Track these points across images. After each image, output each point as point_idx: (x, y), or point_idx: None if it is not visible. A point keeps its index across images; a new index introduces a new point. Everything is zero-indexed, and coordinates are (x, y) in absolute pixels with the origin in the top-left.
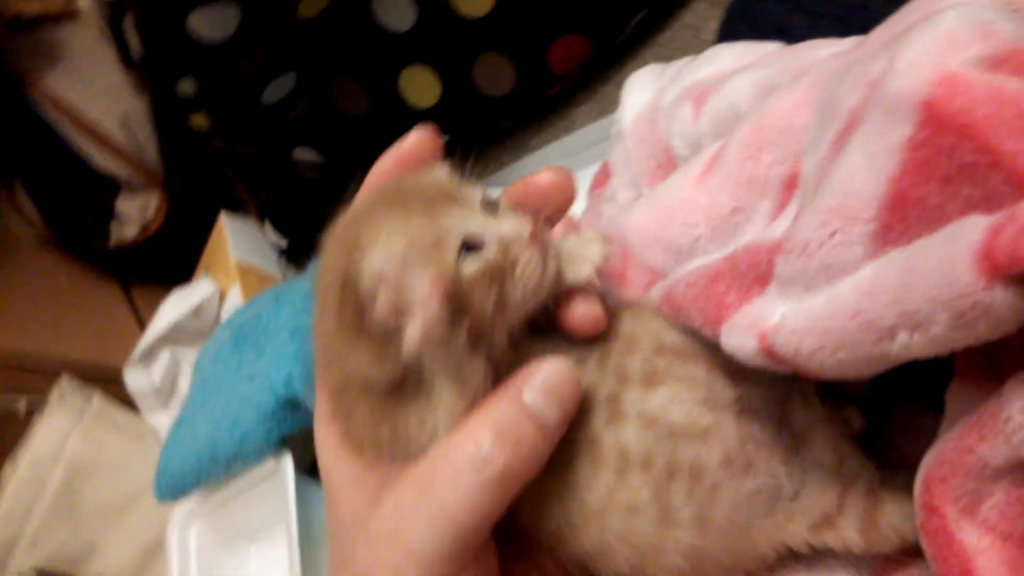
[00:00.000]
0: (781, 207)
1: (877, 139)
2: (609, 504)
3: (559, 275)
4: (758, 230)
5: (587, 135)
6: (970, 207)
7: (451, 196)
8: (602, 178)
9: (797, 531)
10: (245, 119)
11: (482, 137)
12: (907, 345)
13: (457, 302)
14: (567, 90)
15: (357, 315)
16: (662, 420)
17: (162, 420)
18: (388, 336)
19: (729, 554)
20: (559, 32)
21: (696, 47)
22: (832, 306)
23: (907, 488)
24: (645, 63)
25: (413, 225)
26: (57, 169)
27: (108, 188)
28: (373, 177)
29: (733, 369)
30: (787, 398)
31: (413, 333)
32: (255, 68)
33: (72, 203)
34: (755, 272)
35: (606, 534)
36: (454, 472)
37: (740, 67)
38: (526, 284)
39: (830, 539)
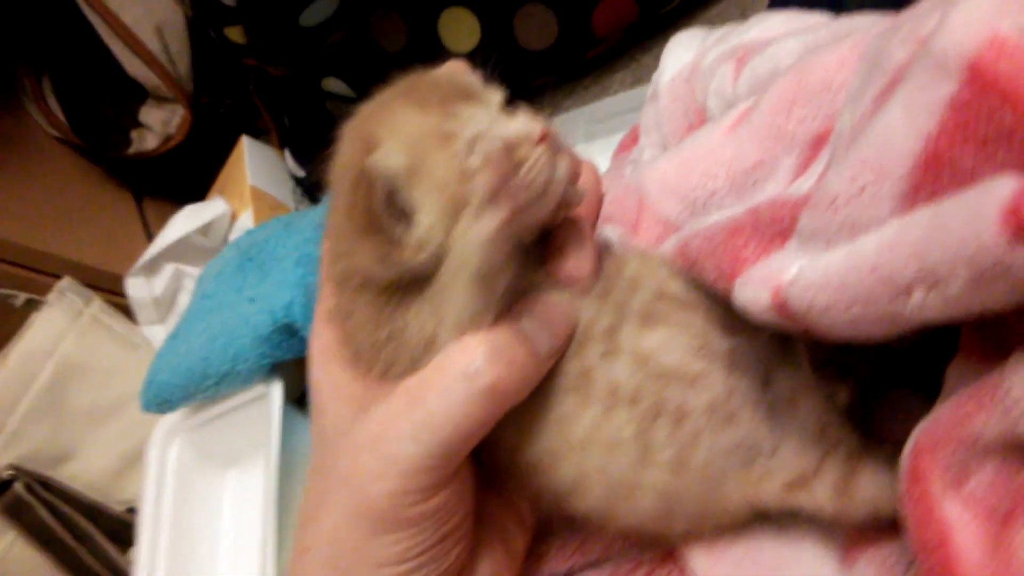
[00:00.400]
0: (805, 165)
1: (919, 95)
2: (592, 437)
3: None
4: (778, 187)
5: (621, 102)
6: (1003, 169)
7: (470, 93)
8: (629, 142)
9: (771, 488)
10: (281, 38)
11: (514, 91)
12: (921, 304)
13: (463, 198)
14: (606, 54)
15: (367, 209)
16: (655, 360)
17: (158, 332)
18: (396, 231)
19: (699, 502)
20: None
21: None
22: (851, 260)
23: (888, 461)
24: None
25: (427, 119)
26: (87, 68)
27: (135, 95)
28: None
29: (729, 323)
30: (778, 360)
31: (421, 225)
32: None
33: (97, 106)
34: (777, 227)
35: (585, 466)
36: (445, 383)
37: (788, 32)
38: (534, 184)
39: (803, 499)
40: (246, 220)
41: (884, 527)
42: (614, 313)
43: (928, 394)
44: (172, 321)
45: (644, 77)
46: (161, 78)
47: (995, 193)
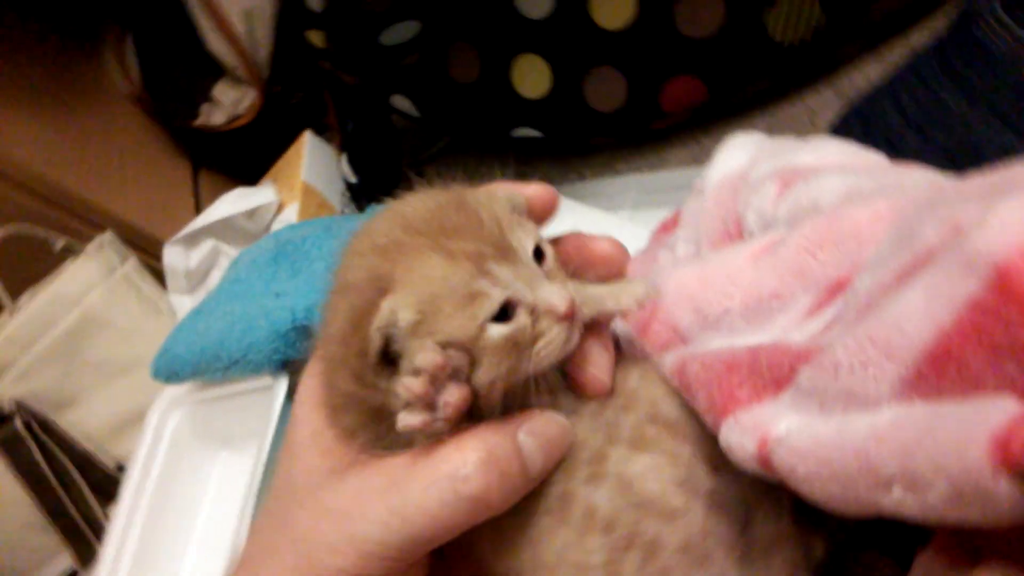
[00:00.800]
0: (818, 307)
1: (942, 286)
2: (562, 560)
3: (600, 303)
4: (789, 320)
5: (675, 178)
6: (1007, 386)
7: (505, 245)
8: (670, 224)
9: None
10: (359, 51)
11: (572, 145)
12: (899, 502)
13: (466, 359)
14: (669, 128)
15: (357, 354)
16: (637, 488)
17: (184, 302)
18: (379, 383)
19: None
20: (681, 70)
21: (809, 129)
22: (840, 438)
23: None
24: (754, 128)
25: (455, 274)
26: (171, 36)
27: (212, 71)
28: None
29: (716, 462)
30: (760, 504)
31: (409, 389)
32: (384, 6)
33: (174, 74)
34: (775, 374)
35: None
36: (431, 479)
37: (839, 166)
38: (540, 361)
39: None
40: (291, 213)
41: None
42: (605, 435)
43: (900, 559)
44: (200, 295)
45: (701, 158)
46: (240, 60)
47: (990, 417)
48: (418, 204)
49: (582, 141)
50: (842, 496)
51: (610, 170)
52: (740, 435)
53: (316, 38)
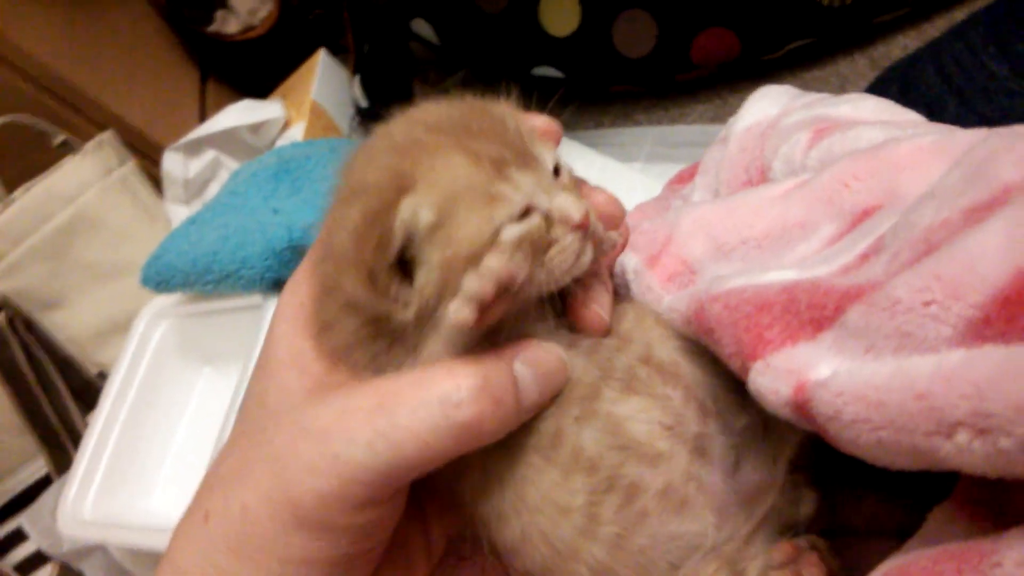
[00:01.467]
0: (841, 234)
1: (1022, 225)
2: (545, 501)
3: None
4: (810, 251)
5: (694, 133)
6: None
7: (527, 153)
8: (686, 176)
9: None
10: None
11: (593, 91)
12: (960, 450)
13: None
14: (695, 81)
15: (373, 253)
16: (623, 429)
17: (180, 212)
18: (392, 288)
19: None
20: (717, 21)
21: (839, 88)
22: (899, 380)
23: None
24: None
25: (477, 175)
26: None
27: None
28: None
29: (708, 407)
30: (748, 453)
31: (418, 283)
32: None
33: None
34: (816, 313)
35: (531, 528)
36: (421, 402)
37: (878, 121)
38: (553, 271)
39: None
40: (297, 131)
41: None
42: (599, 371)
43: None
44: (196, 205)
45: (724, 117)
46: None
47: None
48: (440, 108)
49: (603, 87)
50: (894, 443)
51: (629, 120)
52: (772, 380)
53: None
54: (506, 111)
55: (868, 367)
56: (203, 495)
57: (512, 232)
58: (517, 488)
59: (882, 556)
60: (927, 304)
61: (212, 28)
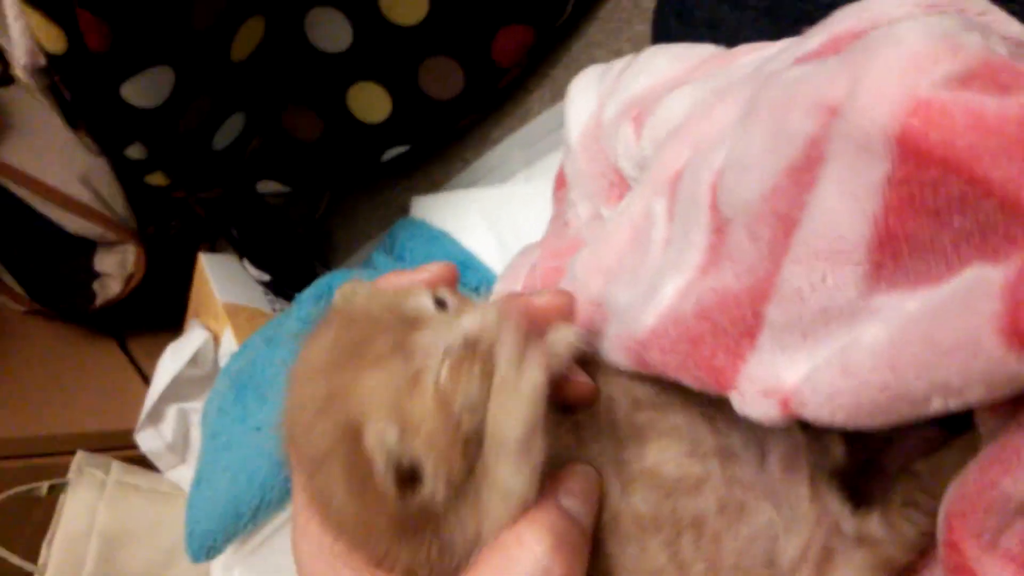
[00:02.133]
0: (669, 210)
1: (852, 178)
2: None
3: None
4: (660, 238)
5: (546, 121)
6: (964, 238)
7: (406, 318)
8: (562, 179)
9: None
10: (201, 168)
11: (441, 139)
12: (944, 406)
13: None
14: (518, 79)
15: (378, 499)
16: (660, 477)
17: (184, 473)
18: (410, 500)
19: None
20: (499, 24)
21: (637, 16)
22: (854, 381)
23: (859, 539)
24: (589, 39)
25: (393, 374)
26: (30, 239)
27: (84, 248)
28: (427, 271)
29: (710, 415)
30: (767, 435)
31: (429, 478)
32: (200, 118)
33: (52, 270)
34: (740, 326)
35: None
36: None
37: (675, 78)
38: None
39: None
40: (229, 338)
41: None
42: (611, 440)
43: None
44: (192, 458)
45: (561, 91)
46: (102, 225)
47: (982, 307)
48: (313, 352)
49: (448, 131)
50: (893, 420)
51: (488, 143)
52: (757, 406)
53: (156, 179)
54: (363, 299)
55: (823, 375)
56: None
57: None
58: None
59: None
60: (823, 280)
61: (100, 301)
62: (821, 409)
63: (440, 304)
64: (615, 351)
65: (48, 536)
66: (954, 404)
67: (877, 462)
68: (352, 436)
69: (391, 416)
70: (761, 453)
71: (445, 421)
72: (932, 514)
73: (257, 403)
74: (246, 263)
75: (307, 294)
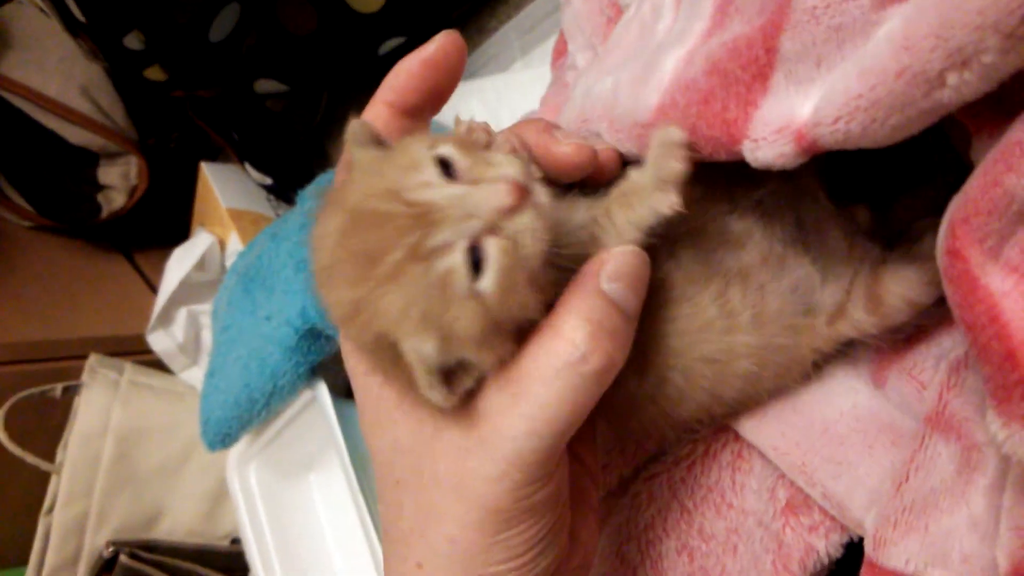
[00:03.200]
0: None
1: None
2: (688, 334)
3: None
4: (665, 25)
5: (542, 5)
6: None
7: (414, 210)
8: (562, 48)
9: (821, 328)
10: (198, 62)
11: (437, 30)
12: (958, 86)
13: (497, 317)
14: None
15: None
16: (704, 235)
17: (196, 374)
18: (461, 384)
19: (783, 352)
20: None
21: None
22: (870, 77)
23: (907, 257)
24: None
25: (414, 286)
26: (34, 153)
27: (87, 160)
28: (394, 81)
29: (745, 175)
30: (800, 198)
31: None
32: (195, 7)
33: (57, 184)
34: (752, 69)
35: (690, 363)
36: (551, 372)
37: None
38: (535, 254)
39: (846, 329)
40: (235, 242)
41: (904, 340)
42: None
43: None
44: (204, 360)
45: None
46: (104, 136)
47: None
48: (326, 249)
49: (444, 22)
50: (905, 121)
51: (484, 33)
52: (772, 147)
53: (154, 73)
54: (364, 180)
55: (838, 82)
56: (400, 549)
57: (489, 283)
58: (663, 349)
59: None
60: None
61: (105, 213)
62: (837, 125)
63: (445, 167)
64: (622, 143)
65: (64, 436)
66: (968, 78)
67: (896, 220)
68: (389, 346)
69: (424, 330)
70: (796, 217)
71: (485, 319)
72: None
73: (265, 295)
74: (248, 167)
75: (309, 190)
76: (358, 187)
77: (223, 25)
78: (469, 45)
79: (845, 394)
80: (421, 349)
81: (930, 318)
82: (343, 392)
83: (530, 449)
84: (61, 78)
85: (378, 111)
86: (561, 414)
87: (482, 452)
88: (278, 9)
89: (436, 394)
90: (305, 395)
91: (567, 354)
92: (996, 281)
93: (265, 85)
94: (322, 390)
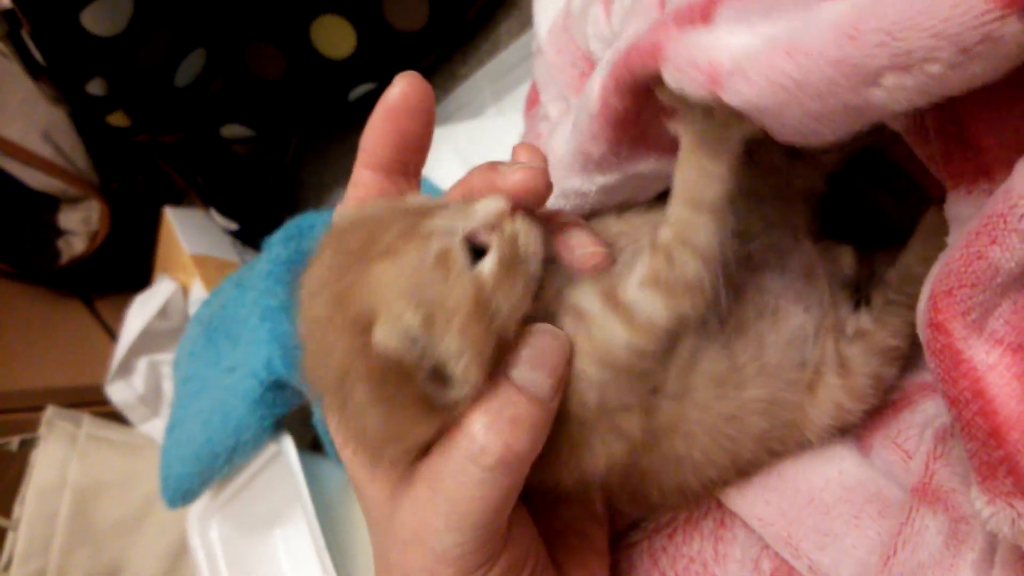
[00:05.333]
0: None
1: None
2: (709, 387)
3: None
4: None
5: (514, 53)
6: None
7: (417, 209)
8: (534, 96)
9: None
10: (162, 107)
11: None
12: (892, 90)
13: (488, 308)
14: (485, 9)
15: (402, 391)
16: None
17: (156, 426)
18: (442, 395)
19: (789, 409)
20: None
21: None
22: (804, 57)
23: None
24: None
25: (407, 257)
26: None
27: (47, 205)
28: (366, 141)
29: (739, 227)
30: (788, 246)
31: (467, 373)
32: (160, 53)
33: (15, 229)
34: (697, 9)
35: (712, 417)
36: (456, 467)
37: None
38: (534, 255)
39: (823, 396)
40: (198, 289)
41: (888, 406)
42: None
43: None
44: (165, 411)
45: (530, 20)
46: (66, 180)
47: None
48: (315, 270)
49: (414, 66)
50: (825, 111)
51: (455, 79)
52: (682, 75)
53: (118, 119)
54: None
55: (768, 41)
56: None
57: (490, 264)
58: (689, 405)
59: None
60: None
61: (65, 259)
62: (753, 87)
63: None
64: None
65: (20, 492)
66: (907, 84)
67: (878, 273)
68: (363, 329)
69: (410, 302)
70: (783, 265)
71: (477, 300)
72: (910, 306)
73: (229, 345)
74: (213, 212)
75: (277, 236)
76: (354, 215)
77: (189, 70)
78: (440, 92)
79: (830, 461)
80: (402, 318)
81: (911, 384)
82: (309, 446)
83: (454, 544)
84: (23, 121)
85: (361, 178)
86: (475, 509)
87: (417, 547)
88: (245, 54)
89: (420, 382)
90: (270, 448)
91: (466, 448)
92: (981, 354)
93: (231, 130)
94: (287, 444)
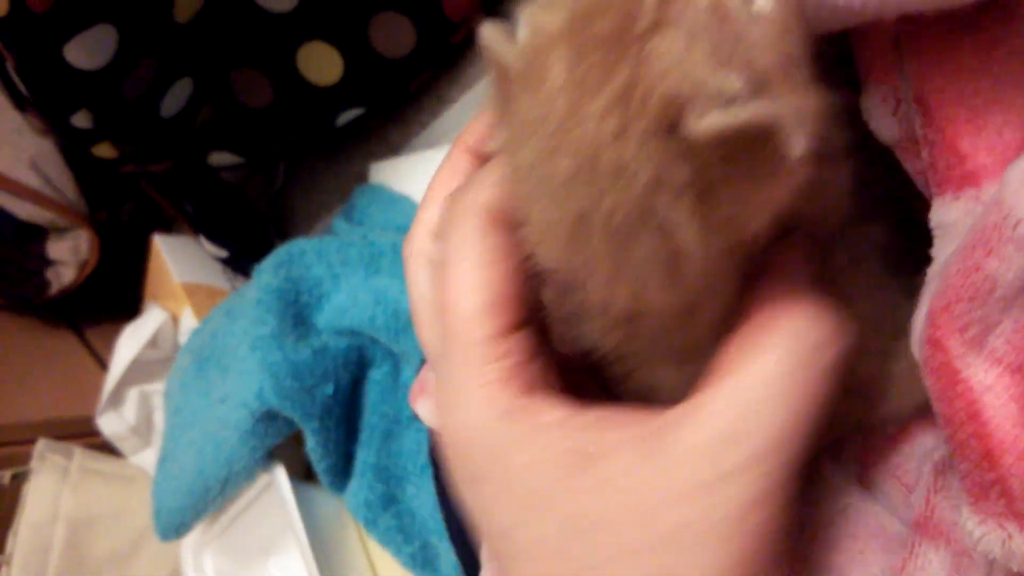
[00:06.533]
0: None
1: None
2: None
3: None
4: None
5: None
6: None
7: None
8: None
9: None
10: (149, 138)
11: (395, 103)
12: None
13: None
14: (472, 33)
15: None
16: None
17: (148, 457)
18: None
19: None
20: None
21: None
22: None
23: None
24: None
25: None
26: None
27: (35, 236)
28: (470, 128)
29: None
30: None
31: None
32: (146, 84)
33: (3, 260)
34: None
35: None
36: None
37: None
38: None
39: None
40: (189, 318)
41: (886, 439)
42: None
43: None
44: (157, 442)
45: None
46: (53, 211)
47: None
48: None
49: (402, 93)
50: None
51: (445, 103)
52: None
53: (104, 150)
54: None
55: None
56: None
57: None
58: None
59: None
60: None
61: (55, 290)
62: None
63: None
64: None
65: (13, 526)
66: None
67: None
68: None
69: (722, 65)
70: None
71: (782, 40)
72: None
73: (219, 375)
74: (202, 239)
75: (266, 264)
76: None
77: (175, 100)
78: (429, 116)
79: (835, 496)
80: (726, 82)
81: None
82: (301, 475)
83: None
84: (11, 151)
85: (459, 161)
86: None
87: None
88: (232, 82)
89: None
90: (262, 479)
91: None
92: (979, 374)
93: (219, 158)
94: (280, 473)
